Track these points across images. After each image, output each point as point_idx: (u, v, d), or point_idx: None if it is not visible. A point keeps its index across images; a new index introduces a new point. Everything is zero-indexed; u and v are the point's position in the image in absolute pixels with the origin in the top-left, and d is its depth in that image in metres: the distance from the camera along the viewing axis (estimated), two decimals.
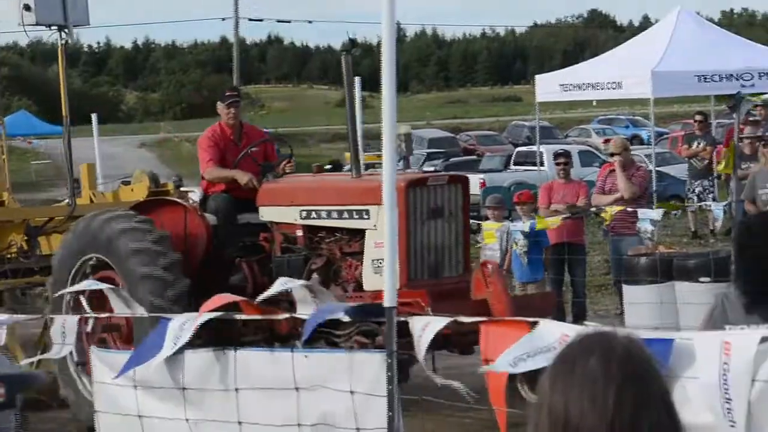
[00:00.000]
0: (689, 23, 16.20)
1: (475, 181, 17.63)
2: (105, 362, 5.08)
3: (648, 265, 8.77)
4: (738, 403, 3.10)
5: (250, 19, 55.24)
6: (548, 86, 16.88)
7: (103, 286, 5.60)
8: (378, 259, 6.68)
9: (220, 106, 8.10)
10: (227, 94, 8.26)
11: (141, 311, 5.42)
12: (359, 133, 9.76)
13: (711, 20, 26.34)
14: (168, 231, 7.40)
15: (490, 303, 6.67)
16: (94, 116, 15.38)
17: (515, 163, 25.13)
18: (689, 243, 14.69)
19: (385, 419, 4.36)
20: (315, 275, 7.16)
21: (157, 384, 4.84)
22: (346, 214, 7.18)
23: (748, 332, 3.20)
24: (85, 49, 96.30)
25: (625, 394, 1.55)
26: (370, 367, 4.58)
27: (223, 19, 52.74)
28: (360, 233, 7.16)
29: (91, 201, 10.35)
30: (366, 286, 6.96)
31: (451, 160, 28.57)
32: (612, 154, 10.95)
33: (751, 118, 15.40)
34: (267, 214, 7.54)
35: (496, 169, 24.98)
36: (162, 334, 4.68)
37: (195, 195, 8.08)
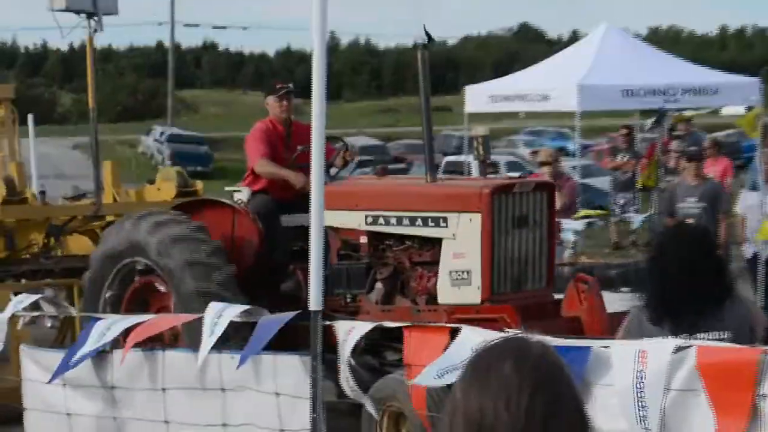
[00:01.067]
0: (616, 39, 16.58)
1: None
2: (34, 360, 5.03)
3: (570, 275, 8.91)
4: (653, 410, 3.18)
5: (186, 25, 55.51)
6: (478, 97, 17.10)
7: (34, 297, 5.54)
8: (457, 271, 6.31)
9: (271, 100, 7.52)
10: (279, 86, 7.63)
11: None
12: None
13: (638, 36, 26.84)
14: (218, 236, 6.92)
15: (584, 320, 6.19)
16: (30, 117, 15.03)
17: (444, 172, 25.46)
18: (611, 254, 15.05)
19: (308, 421, 4.38)
20: (379, 285, 6.67)
21: (86, 382, 4.82)
22: (420, 222, 6.56)
23: (663, 342, 3.29)
24: (22, 51, 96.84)
25: (537, 399, 1.57)
26: (294, 370, 4.58)
27: (160, 24, 53.02)
28: (435, 242, 6.58)
29: (115, 200, 9.95)
30: (441, 299, 6.38)
31: (381, 167, 28.83)
32: (542, 164, 11.06)
33: (675, 133, 15.89)
34: (327, 218, 6.41)
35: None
36: (87, 336, 4.67)
37: (243, 195, 7.44)
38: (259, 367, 4.59)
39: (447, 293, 6.28)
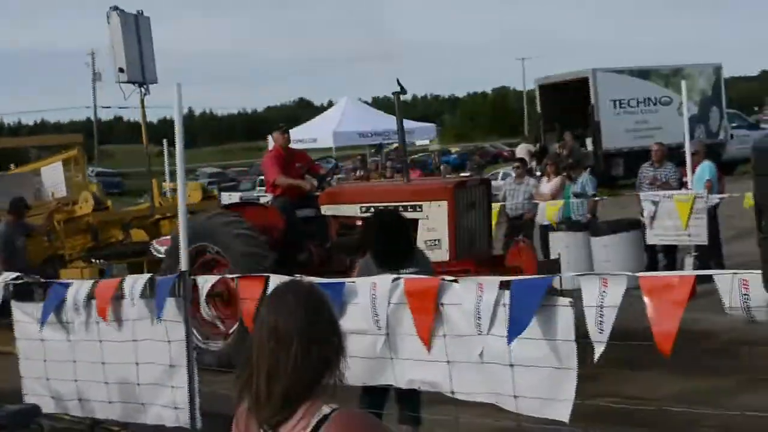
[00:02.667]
0: (352, 105, 26.27)
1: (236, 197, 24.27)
2: (23, 310, 7.04)
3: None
4: (381, 316, 5.37)
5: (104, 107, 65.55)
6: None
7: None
8: (430, 240, 8.67)
9: (276, 134, 10.44)
10: (281, 125, 10.73)
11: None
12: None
13: (366, 102, 37.42)
14: (258, 224, 9.54)
15: (523, 269, 8.20)
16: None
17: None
18: None
19: (186, 387, 5.96)
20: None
21: (53, 320, 6.72)
22: (401, 208, 8.57)
23: (386, 276, 5.53)
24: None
25: (308, 314, 2.47)
26: (178, 334, 6.11)
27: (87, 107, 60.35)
28: (413, 222, 8.76)
29: (160, 204, 13.89)
30: None
31: (222, 184, 42.71)
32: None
33: (389, 157, 27.48)
34: (329, 210, 9.62)
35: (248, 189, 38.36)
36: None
37: (267, 199, 10.32)
38: (146, 331, 6.32)
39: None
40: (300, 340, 2.42)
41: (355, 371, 5.40)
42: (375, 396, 5.74)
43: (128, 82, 12.08)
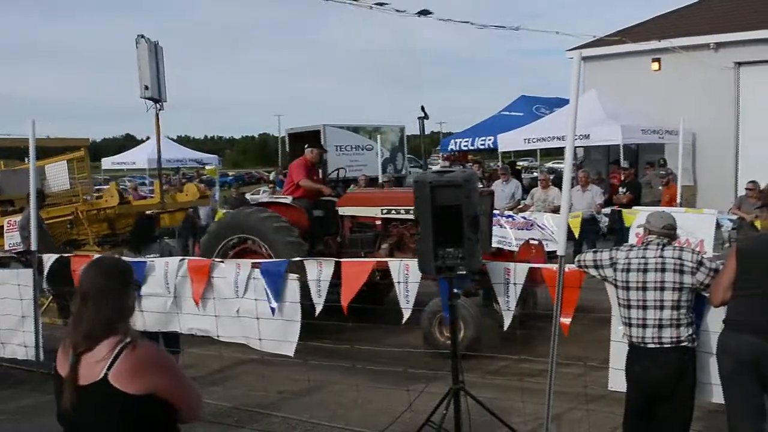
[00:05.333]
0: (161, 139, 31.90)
1: None
2: None
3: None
4: (171, 285, 7.94)
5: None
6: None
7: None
8: None
9: (315, 151, 11.74)
10: (320, 145, 12.40)
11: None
12: None
13: (174, 137, 43.87)
14: (291, 220, 10.73)
15: (532, 261, 9.00)
16: None
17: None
18: None
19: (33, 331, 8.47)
20: (384, 246, 10.46)
21: None
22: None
23: (175, 258, 8.11)
24: None
25: (103, 279, 3.36)
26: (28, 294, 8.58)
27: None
28: None
29: (162, 200, 15.40)
30: None
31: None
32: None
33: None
34: (348, 211, 10.99)
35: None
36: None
37: (287, 200, 11.35)
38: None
39: None
40: (95, 297, 3.29)
41: (153, 320, 7.98)
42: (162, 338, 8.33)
43: (149, 98, 14.04)
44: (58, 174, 15.28)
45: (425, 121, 11.22)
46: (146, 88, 13.95)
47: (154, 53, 14.05)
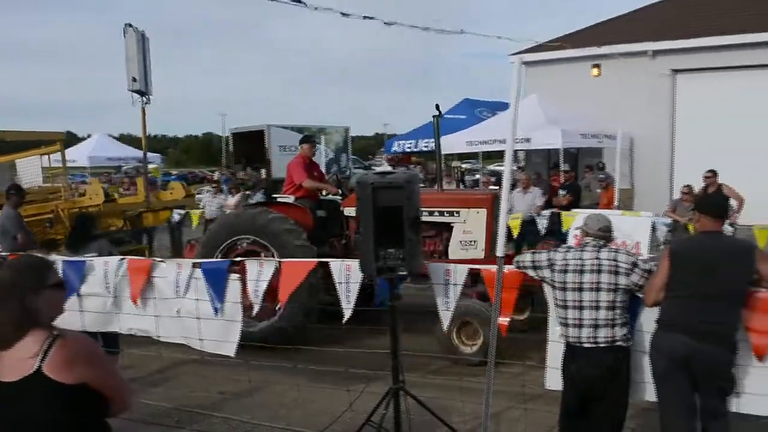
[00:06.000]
0: (103, 138, 35.32)
1: None
2: None
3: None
4: (111, 284, 7.86)
5: None
6: None
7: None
8: (465, 241, 10.04)
9: (305, 145, 11.41)
10: (312, 138, 12.10)
11: None
12: None
13: (116, 136, 43.57)
14: (296, 221, 10.40)
15: None
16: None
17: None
18: None
19: None
20: None
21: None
22: (437, 213, 10.18)
23: (115, 257, 8.03)
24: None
25: (20, 278, 3.37)
26: None
27: None
28: (447, 224, 10.14)
29: (147, 199, 15.30)
30: (452, 256, 9.94)
31: None
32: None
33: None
34: (355, 212, 10.23)
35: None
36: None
37: (289, 199, 11.05)
38: None
39: (456, 253, 10.06)
40: (8, 297, 3.33)
41: (92, 320, 7.88)
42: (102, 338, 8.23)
43: (136, 91, 13.79)
44: (29, 169, 14.74)
45: (440, 119, 11.09)
46: (134, 80, 13.60)
47: (142, 43, 13.55)
